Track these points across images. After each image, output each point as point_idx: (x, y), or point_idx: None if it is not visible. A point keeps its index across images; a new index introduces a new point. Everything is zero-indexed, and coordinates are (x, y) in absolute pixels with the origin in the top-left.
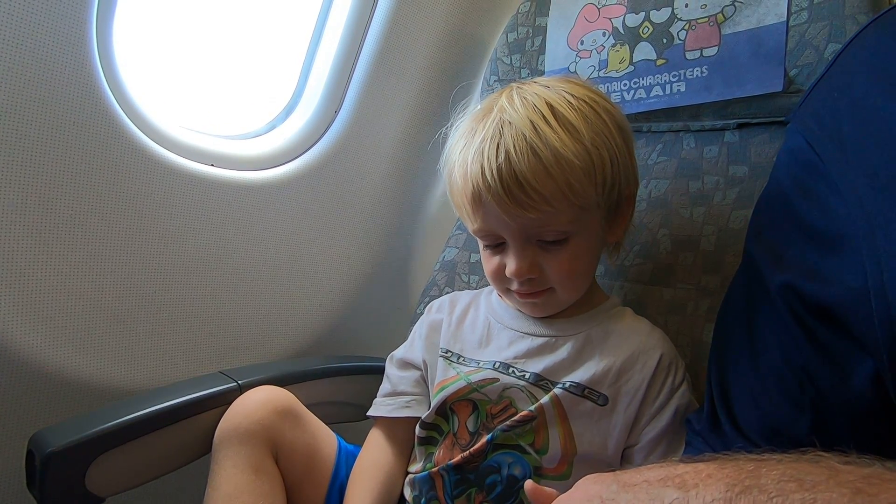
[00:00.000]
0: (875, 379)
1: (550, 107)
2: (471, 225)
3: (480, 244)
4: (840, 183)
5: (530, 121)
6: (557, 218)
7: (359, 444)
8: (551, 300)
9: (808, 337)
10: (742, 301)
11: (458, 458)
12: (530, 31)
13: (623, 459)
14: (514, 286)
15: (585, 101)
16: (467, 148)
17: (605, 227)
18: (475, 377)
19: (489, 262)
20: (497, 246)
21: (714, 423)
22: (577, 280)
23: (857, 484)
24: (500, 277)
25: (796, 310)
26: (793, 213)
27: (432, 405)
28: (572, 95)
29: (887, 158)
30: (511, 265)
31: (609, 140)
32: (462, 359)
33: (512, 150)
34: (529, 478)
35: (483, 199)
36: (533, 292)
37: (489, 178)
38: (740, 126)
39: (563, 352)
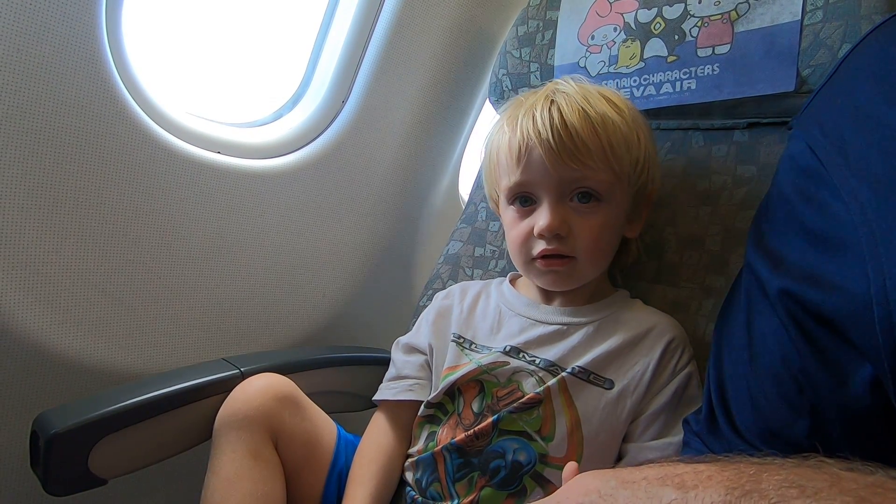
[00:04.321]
0: (873, 384)
1: (599, 92)
2: (507, 181)
3: (509, 210)
4: (842, 190)
5: (582, 94)
6: (596, 175)
7: (358, 433)
8: (573, 272)
9: (807, 341)
10: (742, 303)
11: (461, 436)
12: (540, 24)
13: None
14: (540, 248)
15: (625, 101)
16: (516, 110)
17: (627, 215)
18: (485, 360)
19: (516, 227)
20: (527, 207)
21: (712, 425)
22: (599, 252)
23: (859, 492)
24: (526, 242)
25: (795, 314)
26: (794, 217)
27: (440, 387)
28: (614, 94)
29: (890, 166)
30: (542, 220)
31: (643, 131)
32: (474, 345)
33: (565, 107)
34: (535, 465)
35: (530, 149)
36: (557, 257)
37: (541, 128)
38: (750, 125)
39: (574, 339)
